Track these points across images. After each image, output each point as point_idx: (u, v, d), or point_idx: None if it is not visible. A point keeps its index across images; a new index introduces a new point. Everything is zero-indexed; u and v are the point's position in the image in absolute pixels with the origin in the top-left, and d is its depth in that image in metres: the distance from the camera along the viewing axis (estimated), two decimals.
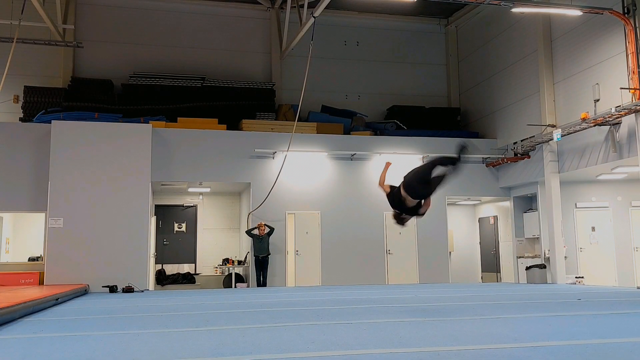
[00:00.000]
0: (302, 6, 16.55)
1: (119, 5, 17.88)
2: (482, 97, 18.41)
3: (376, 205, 16.13)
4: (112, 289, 13.53)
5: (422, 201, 6.80)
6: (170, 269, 17.28)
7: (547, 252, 15.25)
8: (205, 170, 15.31)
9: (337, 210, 15.96)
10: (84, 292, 12.71)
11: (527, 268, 15.23)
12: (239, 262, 16.30)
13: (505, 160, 16.37)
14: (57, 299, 9.46)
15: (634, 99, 12.30)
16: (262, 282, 14.85)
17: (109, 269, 13.81)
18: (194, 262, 17.75)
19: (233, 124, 16.28)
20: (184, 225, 17.91)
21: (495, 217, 18.21)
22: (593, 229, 15.95)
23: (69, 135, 14.27)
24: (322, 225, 15.78)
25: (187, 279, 16.94)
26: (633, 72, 12.36)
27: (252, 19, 18.82)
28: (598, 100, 13.35)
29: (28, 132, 14.60)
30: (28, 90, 16.11)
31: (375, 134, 17.24)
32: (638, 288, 12.76)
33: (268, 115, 17.03)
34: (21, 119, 15.89)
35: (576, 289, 12.30)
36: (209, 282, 16.94)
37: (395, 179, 7.02)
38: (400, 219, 7.03)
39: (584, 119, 13.26)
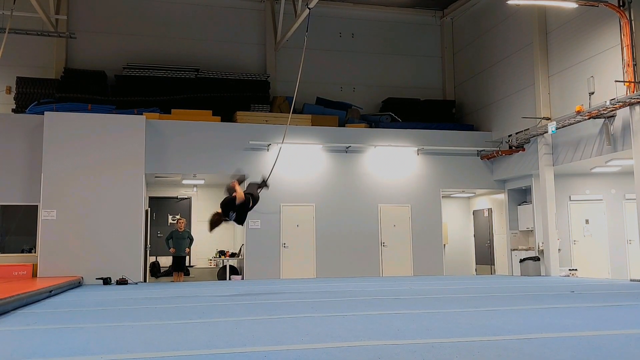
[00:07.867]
0: None
1: None
2: (477, 90, 18.38)
3: (371, 198, 16.14)
4: (106, 281, 13.51)
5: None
6: (165, 261, 17.23)
7: (541, 244, 15.30)
8: (199, 162, 15.25)
9: (332, 202, 15.94)
10: (77, 284, 12.68)
11: (521, 260, 15.28)
12: (233, 255, 16.28)
13: (499, 152, 16.38)
14: (50, 291, 9.44)
15: (628, 91, 12.30)
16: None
17: (103, 261, 13.76)
18: (188, 254, 17.66)
19: (227, 116, 16.20)
20: (178, 217, 17.85)
21: (490, 210, 18.24)
22: (587, 221, 16.01)
23: (62, 126, 14.17)
24: (317, 217, 15.77)
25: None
26: (628, 64, 12.35)
27: (246, 10, 18.70)
28: (593, 93, 13.35)
29: (21, 123, 14.49)
30: (21, 81, 15.98)
31: (370, 127, 17.20)
32: (631, 280, 12.82)
33: (262, 107, 16.95)
34: (14, 110, 15.76)
35: (569, 281, 12.35)
36: (203, 274, 16.91)
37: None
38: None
39: (578, 112, 13.26)
